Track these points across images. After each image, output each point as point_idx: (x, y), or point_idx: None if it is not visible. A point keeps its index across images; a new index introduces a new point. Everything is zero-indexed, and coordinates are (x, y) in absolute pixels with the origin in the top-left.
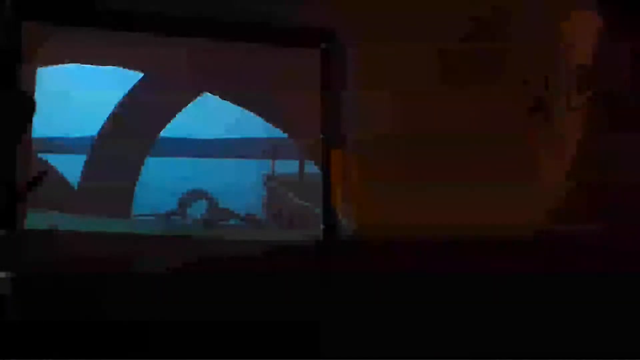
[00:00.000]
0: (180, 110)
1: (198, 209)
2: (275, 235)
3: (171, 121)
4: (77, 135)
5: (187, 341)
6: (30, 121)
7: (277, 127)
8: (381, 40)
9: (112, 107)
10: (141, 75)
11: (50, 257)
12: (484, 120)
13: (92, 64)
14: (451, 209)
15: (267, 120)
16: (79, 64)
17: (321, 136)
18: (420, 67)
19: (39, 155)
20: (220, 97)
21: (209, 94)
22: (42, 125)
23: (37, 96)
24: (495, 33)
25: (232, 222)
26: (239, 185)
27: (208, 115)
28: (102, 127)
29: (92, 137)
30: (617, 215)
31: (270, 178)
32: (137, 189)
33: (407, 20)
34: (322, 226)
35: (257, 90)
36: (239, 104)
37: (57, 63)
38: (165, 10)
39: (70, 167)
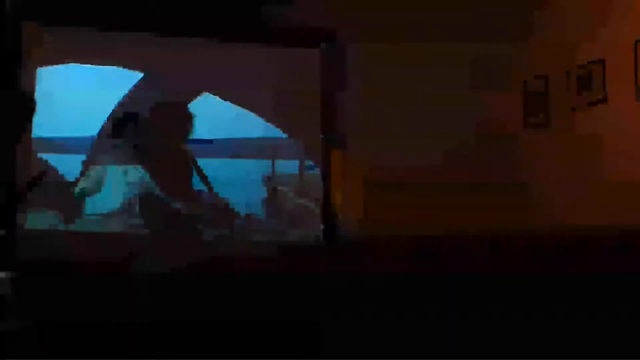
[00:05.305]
0: None
1: None
2: (275, 235)
3: None
4: (77, 135)
5: (187, 341)
6: (30, 121)
7: (277, 127)
8: (381, 40)
9: (112, 107)
10: (141, 75)
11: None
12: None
13: (92, 64)
14: (451, 208)
15: (267, 120)
16: (79, 64)
17: (321, 136)
18: (420, 67)
19: (39, 155)
20: (220, 97)
21: (209, 94)
22: (42, 125)
23: (37, 96)
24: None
25: None
26: (238, 185)
27: (208, 115)
28: (102, 127)
29: (92, 137)
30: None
31: (270, 178)
32: None
33: (406, 20)
34: (322, 226)
35: (257, 90)
36: (239, 104)
37: (57, 63)
38: (166, 10)
39: (70, 167)
